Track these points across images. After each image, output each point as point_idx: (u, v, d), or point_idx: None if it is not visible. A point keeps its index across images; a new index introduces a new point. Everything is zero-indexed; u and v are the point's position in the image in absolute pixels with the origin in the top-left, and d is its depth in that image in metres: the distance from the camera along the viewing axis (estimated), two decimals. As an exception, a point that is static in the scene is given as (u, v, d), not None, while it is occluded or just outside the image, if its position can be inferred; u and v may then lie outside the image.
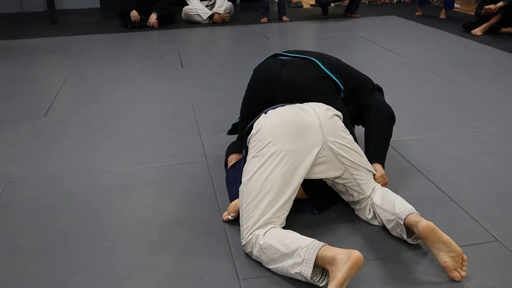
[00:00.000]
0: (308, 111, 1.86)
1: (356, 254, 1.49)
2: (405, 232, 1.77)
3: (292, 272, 1.58)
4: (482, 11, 5.39)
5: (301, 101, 1.99)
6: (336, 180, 1.91)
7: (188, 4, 6.39)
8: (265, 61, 2.31)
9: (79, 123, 3.07)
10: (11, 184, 2.34)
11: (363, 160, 1.93)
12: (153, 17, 6.10)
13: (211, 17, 6.34)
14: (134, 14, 6.03)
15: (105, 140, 2.81)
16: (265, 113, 1.91)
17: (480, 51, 4.75)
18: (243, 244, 1.75)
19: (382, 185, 2.03)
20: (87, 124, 3.05)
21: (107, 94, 3.61)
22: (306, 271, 1.53)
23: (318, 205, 2.01)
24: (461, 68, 4.13)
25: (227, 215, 1.97)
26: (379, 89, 2.47)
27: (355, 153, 1.89)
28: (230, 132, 2.56)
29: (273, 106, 1.94)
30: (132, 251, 1.82)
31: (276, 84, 2.15)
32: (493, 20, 5.35)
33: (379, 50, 4.81)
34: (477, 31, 5.37)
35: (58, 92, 3.67)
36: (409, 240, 1.79)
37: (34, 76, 4.12)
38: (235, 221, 1.95)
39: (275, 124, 1.80)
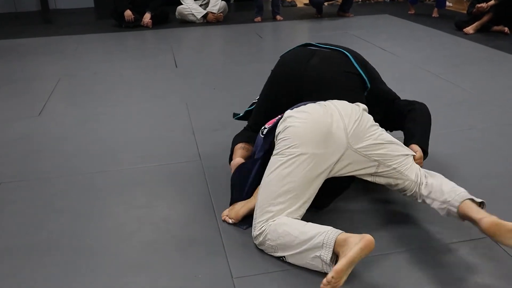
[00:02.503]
0: (335, 116, 1.80)
1: (368, 237, 1.52)
2: (459, 218, 1.74)
3: (311, 256, 1.60)
4: (474, 10, 5.43)
5: (325, 93, 1.94)
6: (374, 175, 1.87)
7: (182, 4, 6.39)
8: (294, 49, 2.24)
9: (73, 123, 3.07)
10: (5, 184, 2.34)
11: (398, 146, 1.87)
12: (147, 17, 6.10)
13: (205, 16, 6.34)
14: (128, 13, 6.03)
15: (99, 140, 2.81)
16: (291, 109, 1.87)
17: (472, 49, 4.79)
18: (255, 235, 1.76)
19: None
20: (81, 124, 3.05)
21: (101, 94, 3.62)
22: (326, 254, 1.56)
23: (319, 203, 1.97)
24: (453, 66, 4.16)
25: (228, 218, 1.97)
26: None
27: (387, 144, 1.84)
28: (239, 118, 2.47)
29: (298, 105, 1.89)
30: (126, 250, 1.83)
31: (302, 73, 2.07)
32: (485, 18, 5.38)
33: (372, 48, 4.83)
34: (469, 29, 5.40)
35: (52, 92, 3.68)
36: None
37: (27, 76, 4.12)
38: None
39: (304, 126, 1.77)
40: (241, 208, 1.94)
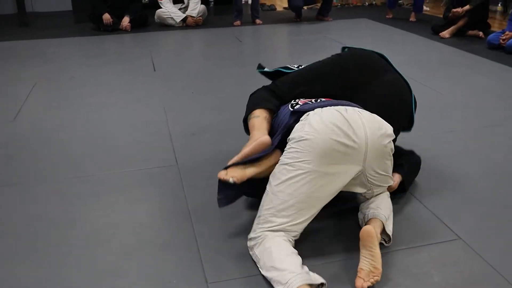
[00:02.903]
0: (359, 136, 1.71)
1: None
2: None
3: (274, 286, 1.59)
4: (450, 14, 5.53)
5: (374, 111, 1.86)
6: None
7: (161, 7, 6.37)
8: (372, 53, 2.15)
9: (49, 128, 3.04)
10: (-21, 191, 2.31)
11: (390, 179, 1.91)
12: (125, 20, 6.07)
13: (184, 20, 6.33)
14: (106, 17, 5.98)
15: (76, 144, 2.79)
16: (319, 110, 1.77)
17: (447, 53, 4.87)
18: (250, 237, 1.75)
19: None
20: (57, 129, 3.02)
21: (78, 98, 3.58)
22: None
23: None
24: (429, 69, 4.22)
25: (229, 177, 1.76)
26: None
27: (386, 177, 1.86)
28: (263, 73, 2.26)
29: (331, 103, 1.81)
30: (103, 256, 1.82)
31: (370, 83, 1.99)
32: (460, 23, 5.48)
33: (350, 52, 4.86)
34: (445, 33, 5.50)
35: (27, 96, 3.63)
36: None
37: (2, 80, 4.06)
38: (205, 224, 1.98)
39: (320, 143, 1.68)
40: (247, 168, 1.79)
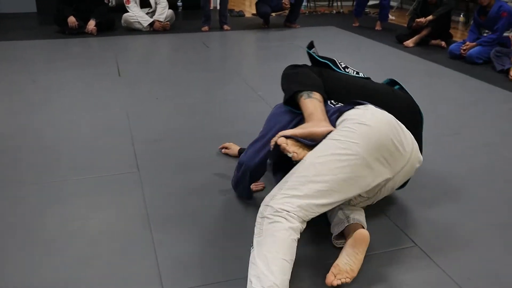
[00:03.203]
0: (408, 147, 1.78)
1: None
2: (337, 233, 1.84)
3: (251, 277, 1.50)
4: (414, 24, 5.65)
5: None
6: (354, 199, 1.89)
7: (128, 11, 6.30)
8: (418, 106, 2.11)
9: (8, 133, 2.97)
10: None
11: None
12: (91, 24, 5.97)
13: (151, 24, 6.28)
14: (71, 20, 5.88)
15: (35, 150, 2.73)
16: (376, 106, 1.79)
17: (411, 61, 4.98)
18: (266, 203, 1.64)
19: None
20: (17, 134, 2.95)
21: (40, 103, 3.51)
22: None
23: None
24: (392, 77, 4.28)
25: (289, 148, 1.70)
26: None
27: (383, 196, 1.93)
28: (310, 56, 2.18)
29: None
30: (59, 265, 1.79)
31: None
32: (424, 32, 5.62)
33: (316, 60, 4.91)
34: (409, 42, 5.62)
35: (-14, 100, 3.54)
36: (335, 242, 1.87)
37: (-39, 84, 3.95)
38: (164, 232, 1.96)
39: (378, 134, 1.68)
40: (305, 149, 1.73)
